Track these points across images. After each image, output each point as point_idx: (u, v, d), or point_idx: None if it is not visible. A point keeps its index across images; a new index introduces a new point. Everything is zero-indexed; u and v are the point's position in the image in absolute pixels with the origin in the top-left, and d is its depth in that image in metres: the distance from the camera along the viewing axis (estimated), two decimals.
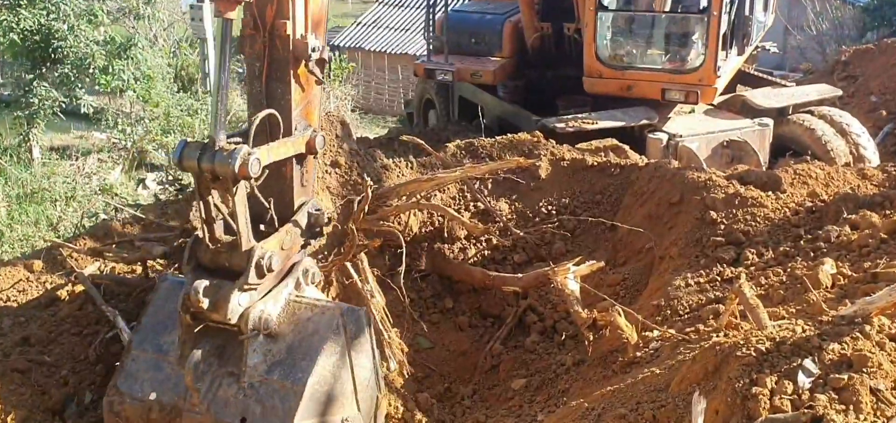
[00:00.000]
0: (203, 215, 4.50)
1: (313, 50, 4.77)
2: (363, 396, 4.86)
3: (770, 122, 10.30)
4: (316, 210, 5.12)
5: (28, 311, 7.72)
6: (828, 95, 11.51)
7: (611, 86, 10.50)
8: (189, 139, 4.45)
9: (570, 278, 6.51)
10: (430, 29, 11.93)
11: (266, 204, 4.78)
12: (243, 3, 4.47)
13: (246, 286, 4.55)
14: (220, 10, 4.38)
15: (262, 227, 4.83)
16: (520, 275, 7.19)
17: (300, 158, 5.02)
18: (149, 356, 5.06)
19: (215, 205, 4.48)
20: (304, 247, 5.12)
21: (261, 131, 4.63)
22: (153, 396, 4.90)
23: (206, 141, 4.36)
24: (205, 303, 4.49)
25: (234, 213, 4.40)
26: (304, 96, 4.95)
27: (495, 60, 11.59)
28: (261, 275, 4.59)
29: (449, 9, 12.11)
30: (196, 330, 4.72)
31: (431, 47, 11.62)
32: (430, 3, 12.05)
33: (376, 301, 6.49)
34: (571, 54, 11.36)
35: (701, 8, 10.16)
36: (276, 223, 4.84)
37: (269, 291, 4.77)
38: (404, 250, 6.77)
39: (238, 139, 4.44)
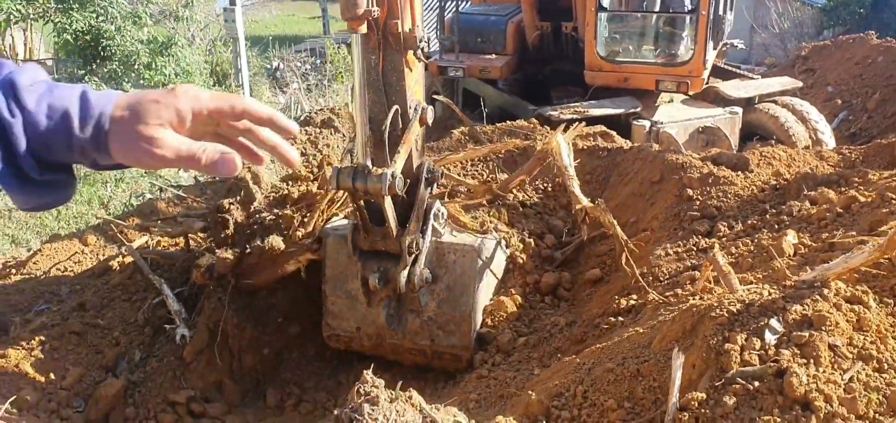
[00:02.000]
0: (360, 217, 5.22)
1: (420, 40, 5.08)
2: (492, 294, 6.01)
3: (739, 110, 10.32)
4: (430, 170, 5.50)
5: (83, 279, 7.76)
6: (790, 87, 11.51)
7: (610, 78, 10.58)
8: (339, 166, 5.05)
9: (561, 139, 6.76)
10: (440, 29, 11.92)
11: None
12: (365, 16, 4.83)
13: (403, 265, 5.24)
14: (354, 28, 4.80)
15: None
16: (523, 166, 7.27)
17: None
18: (343, 300, 5.87)
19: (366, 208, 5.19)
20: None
21: (379, 112, 5.09)
22: (357, 329, 5.86)
23: (357, 166, 4.92)
24: (380, 284, 5.29)
25: (385, 216, 5.04)
26: (413, 76, 5.24)
27: (500, 57, 11.58)
28: (410, 253, 5.26)
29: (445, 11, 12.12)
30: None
31: (442, 47, 11.57)
32: (441, 5, 12.04)
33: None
34: (568, 50, 11.38)
35: (690, 8, 10.23)
36: (404, 184, 5.13)
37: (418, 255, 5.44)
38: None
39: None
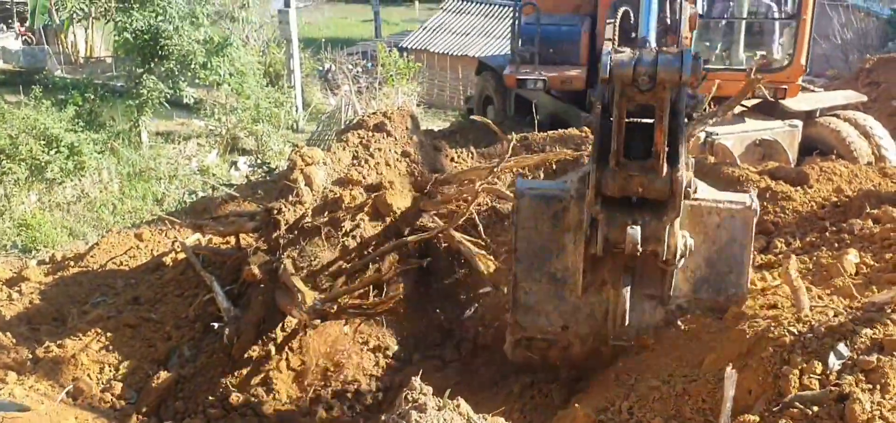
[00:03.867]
0: (616, 136, 3.75)
1: None
2: None
3: (799, 123, 10.08)
4: (690, 97, 4.25)
5: (137, 274, 7.93)
6: (853, 100, 11.20)
7: (700, 87, 10.36)
8: (612, 52, 3.72)
9: None
10: (517, 41, 11.67)
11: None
12: None
13: (674, 212, 3.84)
14: None
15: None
16: None
17: None
18: (543, 287, 4.47)
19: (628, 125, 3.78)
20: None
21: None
22: (565, 327, 4.45)
23: (639, 45, 3.83)
24: (639, 245, 3.79)
25: (664, 129, 3.63)
26: None
27: (580, 68, 11.31)
28: (686, 198, 3.88)
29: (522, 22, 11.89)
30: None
31: (518, 59, 11.29)
32: (515, 16, 11.87)
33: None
34: None
35: (790, 13, 10.05)
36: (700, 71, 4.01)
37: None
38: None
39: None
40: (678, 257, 4.01)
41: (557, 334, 4.51)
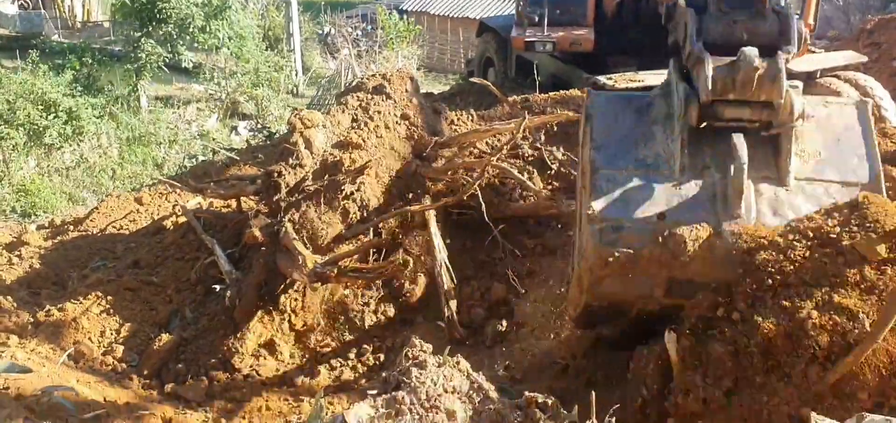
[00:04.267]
0: None
1: None
2: None
3: (799, 84, 9.98)
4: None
5: (138, 238, 7.95)
6: (853, 61, 11.13)
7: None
8: None
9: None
10: (523, 3, 11.57)
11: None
12: None
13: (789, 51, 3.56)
14: None
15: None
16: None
17: None
18: (630, 172, 3.89)
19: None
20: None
21: None
22: (661, 216, 3.74)
23: None
24: (761, 70, 3.54)
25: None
26: None
27: (587, 29, 11.25)
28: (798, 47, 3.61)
29: None
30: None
31: (526, 21, 11.20)
32: None
33: (440, 252, 6.51)
34: (644, 19, 11.08)
35: None
36: None
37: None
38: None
39: None
40: (796, 117, 3.65)
41: (650, 220, 3.73)
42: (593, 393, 3.08)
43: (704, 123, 3.81)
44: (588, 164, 3.98)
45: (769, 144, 3.82)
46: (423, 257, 6.76)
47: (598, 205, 3.79)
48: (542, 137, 7.96)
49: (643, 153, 3.90)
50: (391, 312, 6.66)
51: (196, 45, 17.83)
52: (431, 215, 6.69)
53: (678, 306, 3.77)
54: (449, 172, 7.31)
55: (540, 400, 3.06)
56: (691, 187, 3.77)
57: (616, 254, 3.71)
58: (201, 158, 14.35)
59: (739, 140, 3.61)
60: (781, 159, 3.76)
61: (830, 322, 3.25)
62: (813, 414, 3.01)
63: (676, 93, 3.89)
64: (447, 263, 6.56)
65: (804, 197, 3.71)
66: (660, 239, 3.64)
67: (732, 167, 3.62)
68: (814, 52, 11.97)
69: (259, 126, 18.31)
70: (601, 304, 4.05)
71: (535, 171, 7.61)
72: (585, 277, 3.93)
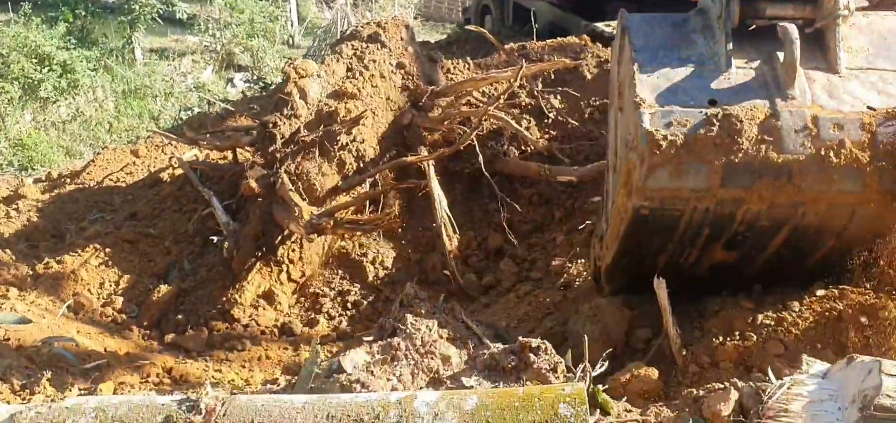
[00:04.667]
0: None
1: None
2: None
3: None
4: None
5: (135, 190, 7.96)
6: (854, 3, 11.00)
7: None
8: None
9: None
10: None
11: None
12: None
13: None
14: None
15: None
16: (576, 167, 7.00)
17: None
18: (676, 67, 3.83)
19: None
20: None
21: None
22: (712, 103, 3.69)
23: None
24: None
25: None
26: None
27: None
28: None
29: None
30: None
31: None
32: None
33: (441, 201, 6.52)
34: None
35: None
36: None
37: None
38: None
39: None
40: (841, 8, 3.69)
41: (703, 106, 3.64)
42: (586, 337, 3.12)
43: (747, 23, 3.79)
44: (629, 69, 3.88)
45: (815, 42, 3.80)
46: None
47: (644, 92, 3.68)
48: (540, 85, 7.92)
49: (686, 54, 3.86)
50: (389, 262, 6.70)
51: None
52: (430, 166, 6.68)
53: (736, 202, 3.66)
54: (445, 122, 7.29)
55: (534, 344, 3.10)
56: (740, 76, 3.72)
57: (669, 137, 3.55)
58: (197, 110, 14.29)
59: (788, 24, 3.60)
60: (830, 53, 3.75)
61: None
62: (804, 356, 3.05)
63: None
64: (448, 213, 6.58)
65: (858, 83, 3.68)
66: (715, 121, 3.54)
67: (782, 52, 3.60)
68: None
69: (255, 77, 18.19)
70: (652, 206, 3.77)
71: (532, 120, 7.59)
72: (635, 171, 3.69)
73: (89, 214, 7.57)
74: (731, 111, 3.54)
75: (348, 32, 8.42)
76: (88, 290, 6.22)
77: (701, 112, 3.57)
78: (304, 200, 6.29)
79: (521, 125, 7.30)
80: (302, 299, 6.48)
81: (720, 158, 3.52)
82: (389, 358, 3.07)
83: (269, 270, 6.36)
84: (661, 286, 3.72)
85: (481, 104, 7.51)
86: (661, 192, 3.68)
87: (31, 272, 6.33)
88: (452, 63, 8.51)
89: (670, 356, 3.69)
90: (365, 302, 6.29)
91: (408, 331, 3.16)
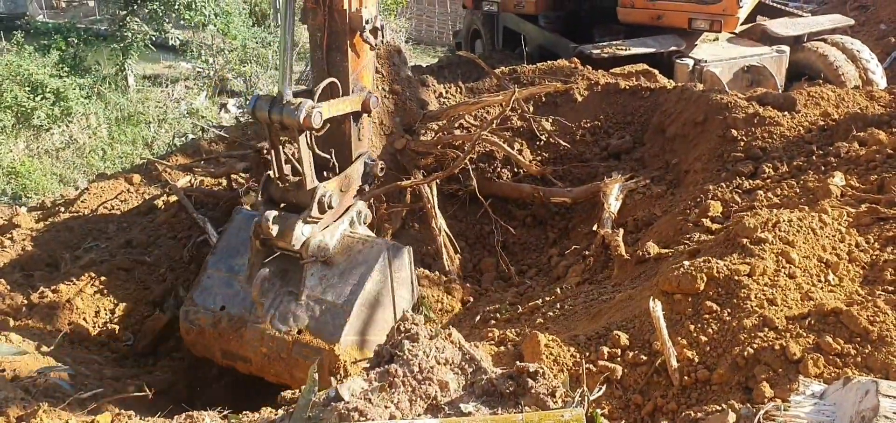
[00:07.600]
0: (274, 159, 4.82)
1: (367, 22, 4.92)
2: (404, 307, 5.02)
3: (787, 49, 10.03)
4: (371, 161, 5.31)
5: (130, 218, 7.92)
6: (840, 24, 11.14)
7: (642, 16, 10.26)
8: (260, 93, 4.67)
9: (613, 196, 6.38)
10: None
11: (327, 155, 5.04)
12: None
13: (309, 219, 4.82)
14: None
15: (325, 174, 5.06)
16: (569, 188, 7.05)
17: (357, 116, 5.20)
18: (222, 274, 5.25)
19: (284, 150, 4.84)
20: (359, 192, 5.30)
21: (323, 95, 4.84)
22: (222, 308, 5.11)
23: (275, 95, 4.58)
24: (274, 230, 4.76)
25: (299, 157, 4.66)
26: (360, 62, 5.09)
27: None
28: (322, 210, 4.86)
29: None
30: (265, 256, 4.98)
31: None
32: None
33: (440, 221, 6.53)
34: None
35: None
36: (337, 171, 5.07)
37: (328, 226, 4.97)
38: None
39: (302, 96, 4.66)
40: (311, 254, 4.90)
41: (215, 311, 5.19)
42: (584, 361, 3.12)
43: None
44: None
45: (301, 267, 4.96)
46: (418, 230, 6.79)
47: (194, 293, 5.31)
48: (531, 108, 7.96)
49: (236, 262, 5.24)
50: None
51: (182, 22, 17.70)
52: (432, 189, 6.67)
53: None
54: (438, 147, 7.30)
55: (531, 369, 3.09)
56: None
57: (189, 336, 5.29)
58: (191, 136, 14.30)
59: (260, 276, 4.90)
60: (301, 283, 4.93)
61: None
62: (801, 377, 3.06)
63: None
64: (449, 233, 6.58)
65: (310, 314, 4.89)
66: (216, 325, 5.09)
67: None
68: (800, 15, 11.98)
69: (248, 103, 18.25)
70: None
71: (524, 142, 7.62)
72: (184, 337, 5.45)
73: (84, 242, 7.52)
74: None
75: None
76: (84, 318, 6.17)
77: (213, 314, 5.21)
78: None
79: (513, 148, 7.33)
80: None
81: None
82: (387, 385, 3.05)
83: None
84: (656, 308, 3.76)
85: (474, 128, 7.54)
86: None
87: (25, 302, 6.28)
88: (444, 87, 8.55)
89: (667, 376, 3.69)
90: None
91: (405, 357, 3.15)
